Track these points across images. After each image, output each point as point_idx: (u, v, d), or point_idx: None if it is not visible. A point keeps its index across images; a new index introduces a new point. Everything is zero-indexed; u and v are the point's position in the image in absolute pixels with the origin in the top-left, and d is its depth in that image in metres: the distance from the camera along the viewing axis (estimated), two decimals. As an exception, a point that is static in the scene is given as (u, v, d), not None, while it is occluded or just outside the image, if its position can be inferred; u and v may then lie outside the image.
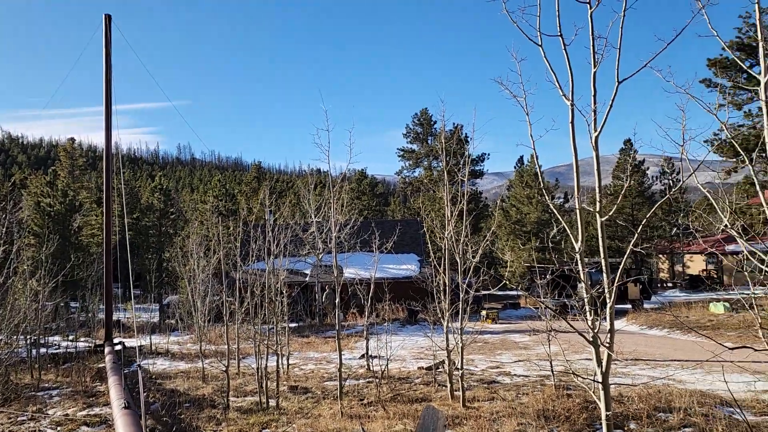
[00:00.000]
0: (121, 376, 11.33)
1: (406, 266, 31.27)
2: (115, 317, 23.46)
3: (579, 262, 5.83)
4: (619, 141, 48.19)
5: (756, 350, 5.53)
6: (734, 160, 28.71)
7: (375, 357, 15.10)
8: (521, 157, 51.44)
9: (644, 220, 6.03)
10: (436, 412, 4.79)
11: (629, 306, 29.03)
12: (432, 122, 53.44)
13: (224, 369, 11.92)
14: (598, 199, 5.69)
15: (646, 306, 29.41)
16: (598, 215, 5.71)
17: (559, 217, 6.29)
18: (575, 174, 5.87)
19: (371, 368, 14.68)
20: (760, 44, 6.28)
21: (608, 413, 5.45)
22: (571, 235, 5.99)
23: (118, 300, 31.43)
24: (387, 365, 13.54)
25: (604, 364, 5.59)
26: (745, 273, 7.19)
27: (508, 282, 39.23)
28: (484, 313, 28.43)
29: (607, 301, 5.67)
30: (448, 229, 11.33)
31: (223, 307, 13.61)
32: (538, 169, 6.38)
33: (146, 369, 15.65)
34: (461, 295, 10.76)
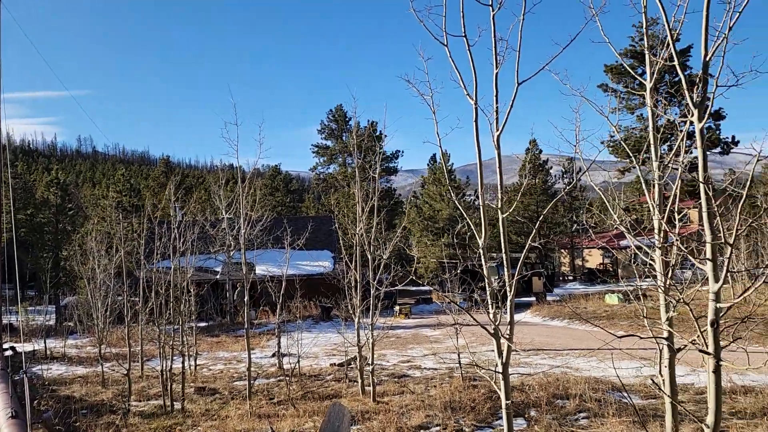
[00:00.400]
0: (8, 384, 10.58)
1: (319, 263, 31.17)
2: (5, 320, 21.87)
3: (482, 257, 6.02)
4: (526, 141, 50.17)
5: (642, 338, 5.91)
6: (627, 160, 30.56)
7: (286, 355, 14.94)
8: (434, 155, 52.39)
9: (540, 217, 6.30)
10: (342, 409, 4.79)
11: (533, 299, 30.30)
12: (347, 119, 53.44)
13: (126, 372, 11.41)
14: (499, 196, 5.90)
15: (548, 298, 30.78)
16: (500, 212, 5.91)
17: (464, 213, 6.47)
18: (479, 172, 6.06)
19: (282, 366, 14.52)
20: (647, 53, 6.73)
21: (508, 402, 5.67)
22: (475, 232, 6.18)
23: (7, 302, 29.35)
24: (298, 363, 13.43)
25: (504, 354, 5.81)
26: (633, 266, 7.71)
27: (414, 277, 39.90)
28: (397, 308, 28.80)
29: (508, 294, 5.89)
30: (360, 225, 11.39)
31: (125, 308, 13.01)
32: (443, 166, 6.52)
33: (39, 375, 14.71)
34: (372, 291, 10.84)
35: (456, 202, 6.70)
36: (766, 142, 4.54)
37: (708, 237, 4.26)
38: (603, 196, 7.81)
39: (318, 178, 56.42)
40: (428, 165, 49.32)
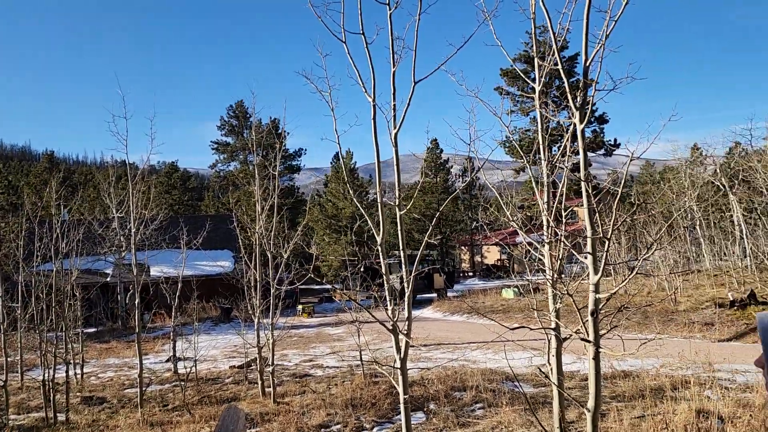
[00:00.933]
0: None
1: (219, 263, 30.30)
2: None
3: (380, 254, 6.07)
4: (428, 140, 51.28)
5: (532, 329, 6.19)
6: (521, 161, 31.93)
7: (183, 359, 14.39)
8: (337, 153, 52.47)
9: (437, 214, 6.42)
10: (237, 412, 4.66)
11: (435, 295, 31.05)
12: (248, 115, 52.24)
13: (2, 384, 10.54)
14: (397, 194, 5.97)
15: (449, 294, 31.67)
16: (397, 209, 5.98)
17: (363, 212, 6.49)
18: (377, 169, 6.10)
19: (177, 371, 13.96)
20: (535, 58, 7.06)
21: (406, 396, 5.76)
22: (374, 230, 6.22)
23: None
24: (195, 366, 12.98)
25: (402, 350, 5.89)
26: (525, 262, 8.07)
27: (313, 275, 39.81)
28: (300, 307, 28.58)
29: (406, 290, 5.98)
30: (259, 223, 11.17)
31: (2, 315, 12.01)
32: (342, 163, 6.50)
33: None
34: (272, 291, 10.66)
35: (355, 199, 6.71)
36: (641, 144, 4.90)
37: (588, 232, 4.53)
38: (498, 195, 8.12)
39: (218, 175, 54.80)
40: (331, 163, 49.28)
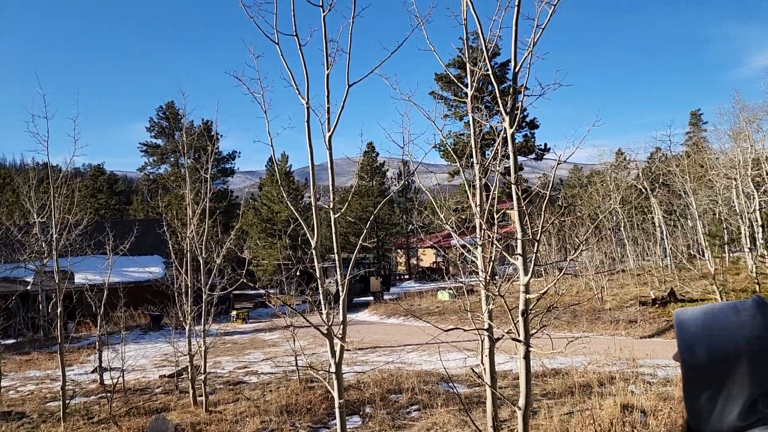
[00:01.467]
0: None
1: (148, 269, 29.25)
2: None
3: (314, 258, 6.01)
4: (364, 144, 51.44)
5: (465, 330, 6.29)
6: (455, 164, 32.46)
7: (109, 369, 13.80)
8: (275, 156, 51.76)
9: (372, 217, 6.42)
10: (165, 423, 4.50)
11: (371, 298, 31.11)
12: (179, 116, 50.81)
13: None
14: (331, 197, 5.94)
15: (385, 297, 31.80)
16: (331, 212, 5.95)
17: (297, 215, 6.41)
18: (311, 172, 6.04)
19: (104, 382, 13.39)
20: (468, 63, 7.19)
21: (341, 401, 5.72)
22: (308, 233, 6.16)
23: None
24: (123, 377, 12.48)
25: (338, 355, 5.84)
26: (459, 264, 8.19)
27: (245, 280, 39.24)
28: (234, 313, 28.02)
29: (341, 294, 5.95)
30: (191, 228, 10.87)
31: None
32: (276, 166, 6.39)
33: None
34: (204, 297, 10.38)
35: (289, 203, 6.62)
36: (568, 149, 5.06)
37: (519, 234, 4.64)
38: (432, 198, 8.21)
39: (147, 178, 53.01)
40: (266, 166, 48.59)
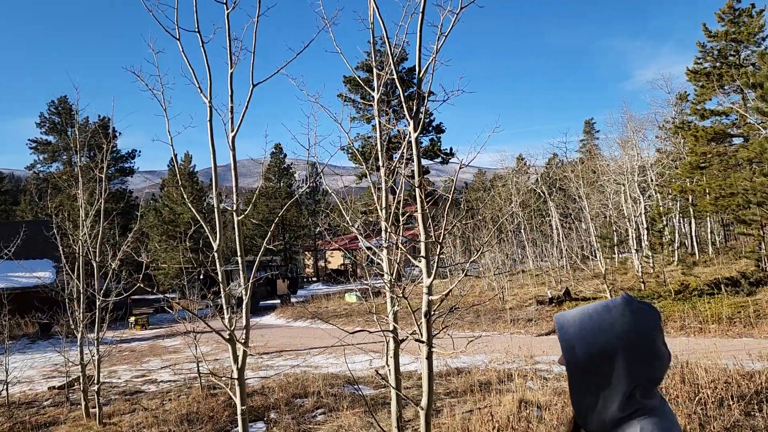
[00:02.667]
0: None
1: (37, 274, 27.32)
2: None
3: (217, 261, 5.84)
4: (270, 145, 50.70)
5: (371, 332, 6.32)
6: (363, 167, 32.68)
7: (-10, 382, 12.77)
8: (175, 155, 49.88)
9: (276, 219, 6.31)
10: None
11: (278, 301, 30.68)
12: (72, 112, 47.83)
13: None
14: (235, 199, 5.79)
15: (293, 300, 31.47)
16: (235, 214, 5.80)
17: (197, 216, 6.20)
18: (213, 173, 5.87)
19: (-16, 396, 12.36)
20: (374, 66, 7.24)
21: (243, 408, 5.58)
22: (210, 235, 5.97)
23: None
24: (7, 390, 11.59)
25: (240, 360, 5.70)
26: (366, 266, 8.23)
27: (142, 285, 37.77)
28: (132, 319, 26.75)
29: (244, 297, 5.81)
30: (84, 230, 10.25)
31: None
32: (176, 166, 6.16)
33: None
34: (98, 303, 9.82)
35: (190, 204, 6.39)
36: (471, 153, 5.21)
37: (422, 237, 4.72)
38: (339, 201, 8.20)
39: (37, 177, 49.48)
40: (168, 166, 46.77)
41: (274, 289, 31.36)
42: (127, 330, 24.62)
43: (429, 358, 4.74)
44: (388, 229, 6.33)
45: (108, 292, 9.90)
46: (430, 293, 4.70)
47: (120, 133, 38.91)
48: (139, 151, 50.02)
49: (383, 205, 6.76)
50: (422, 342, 4.73)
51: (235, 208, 5.75)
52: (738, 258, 24.27)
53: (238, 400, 5.63)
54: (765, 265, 16.62)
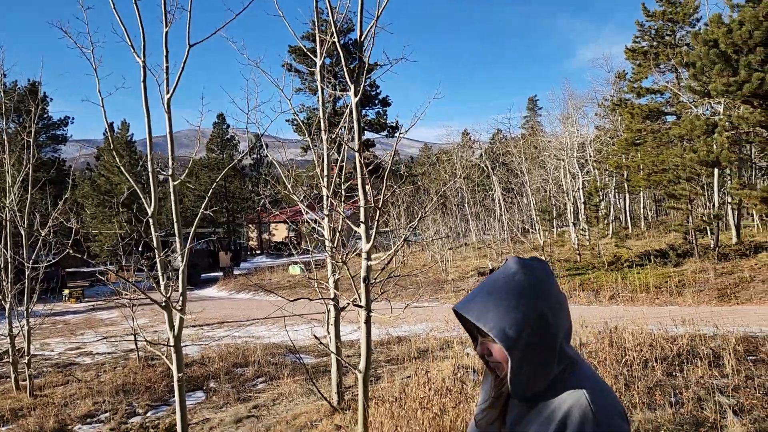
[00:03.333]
0: None
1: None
2: None
3: (151, 227, 5.69)
4: (213, 115, 49.45)
5: (311, 300, 6.32)
6: (308, 138, 32.28)
7: None
8: (111, 123, 48.05)
9: (213, 185, 6.17)
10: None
11: (220, 273, 30.24)
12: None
13: None
14: (170, 163, 5.63)
15: (236, 272, 31.07)
16: (171, 179, 5.65)
17: (132, 182, 6.00)
18: (147, 135, 5.68)
19: None
20: (317, 34, 7.12)
21: (180, 375, 5.51)
22: (144, 200, 5.80)
23: None
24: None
25: (176, 327, 5.61)
26: (309, 237, 8.20)
27: (72, 251, 36.63)
28: (66, 292, 25.88)
29: (181, 264, 5.70)
30: (11, 197, 9.78)
31: None
32: (109, 133, 5.91)
33: None
34: (27, 273, 9.42)
35: (122, 168, 6.17)
36: (416, 128, 5.22)
37: (361, 201, 4.73)
38: (282, 172, 8.09)
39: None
40: (104, 134, 45.02)
41: (216, 261, 30.87)
42: (60, 303, 23.83)
43: (368, 322, 4.78)
44: (330, 197, 6.31)
45: (38, 261, 9.52)
46: (369, 258, 4.72)
47: (51, 98, 37.13)
48: (73, 119, 47.79)
49: (324, 173, 6.72)
50: (361, 307, 4.77)
51: (170, 173, 5.59)
52: (668, 232, 25.42)
53: (174, 368, 5.56)
54: (692, 238, 17.48)
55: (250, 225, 53.93)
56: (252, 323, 15.25)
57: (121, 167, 6.00)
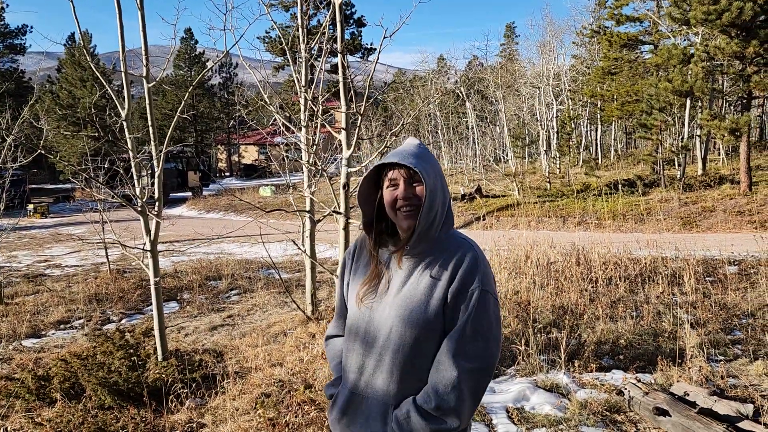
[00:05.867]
0: None
1: None
2: None
3: (126, 130, 5.53)
4: (181, 31, 47.49)
5: (287, 211, 6.31)
6: (281, 58, 31.42)
7: None
8: (72, 34, 45.80)
9: (182, 105, 5.95)
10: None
11: (189, 193, 29.94)
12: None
13: None
14: (144, 64, 5.41)
15: (205, 193, 30.80)
16: (145, 81, 5.46)
17: (103, 80, 5.78)
18: (120, 34, 5.42)
19: None
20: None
21: (156, 279, 5.53)
22: (117, 102, 5.60)
23: None
24: None
25: (152, 232, 5.58)
26: (284, 161, 8.10)
27: (41, 170, 35.85)
28: (31, 207, 25.38)
29: (156, 170, 5.60)
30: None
31: None
32: (75, 20, 5.60)
33: None
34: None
35: (94, 68, 5.91)
36: (391, 53, 5.08)
37: (342, 107, 4.66)
38: (262, 91, 7.87)
39: None
40: (66, 44, 42.98)
41: (185, 181, 30.48)
42: (25, 218, 23.40)
43: (346, 228, 4.82)
44: (310, 102, 6.18)
45: (2, 170, 9.26)
46: (349, 165, 4.70)
47: (7, 4, 35.09)
48: (31, 27, 45.41)
49: (302, 82, 6.55)
50: (340, 213, 4.78)
51: (145, 74, 5.39)
52: (636, 163, 25.84)
53: (151, 272, 5.56)
54: (659, 168, 17.81)
55: (220, 146, 53.02)
56: (223, 241, 15.24)
57: (94, 69, 5.73)
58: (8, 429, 4.51)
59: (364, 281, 1.77)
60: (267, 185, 28.59)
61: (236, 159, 51.85)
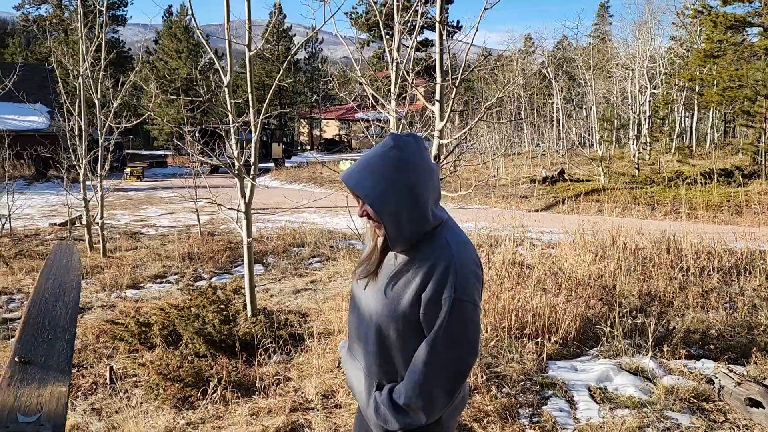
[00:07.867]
0: None
1: (31, 118, 27.09)
2: None
3: (227, 97, 5.79)
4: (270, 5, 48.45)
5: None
6: (367, 34, 31.53)
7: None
8: (170, 7, 47.81)
9: (277, 79, 6.13)
10: (70, 247, 4.37)
11: (272, 164, 30.84)
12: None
13: None
14: (247, 32, 5.63)
15: (287, 165, 31.63)
16: (247, 49, 5.69)
17: (207, 47, 6.05)
18: (225, 3, 5.65)
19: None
20: None
21: (249, 239, 5.80)
22: (220, 70, 5.87)
23: None
24: (9, 222, 11.91)
25: (247, 195, 5.85)
26: (369, 137, 8.20)
27: (138, 138, 37.80)
28: (128, 170, 26.95)
29: (253, 136, 5.84)
30: (84, 65, 9.99)
31: None
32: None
33: None
34: (101, 142, 9.81)
35: (200, 33, 6.20)
36: (480, 31, 5.02)
37: (438, 78, 4.68)
38: (347, 70, 7.99)
39: (26, 19, 47.34)
40: (163, 18, 44.88)
41: (269, 152, 31.38)
42: (122, 180, 24.87)
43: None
44: (399, 79, 6.22)
45: (111, 130, 9.89)
46: (441, 137, 4.74)
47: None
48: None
49: (394, 52, 6.59)
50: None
51: (247, 43, 5.61)
52: (734, 153, 24.38)
53: (244, 233, 5.84)
54: (761, 158, 16.75)
55: (302, 120, 54.09)
56: (305, 210, 15.69)
57: (199, 33, 6.02)
58: (114, 368, 4.90)
59: (362, 260, 1.84)
60: (347, 159, 29.00)
61: (317, 133, 52.80)
